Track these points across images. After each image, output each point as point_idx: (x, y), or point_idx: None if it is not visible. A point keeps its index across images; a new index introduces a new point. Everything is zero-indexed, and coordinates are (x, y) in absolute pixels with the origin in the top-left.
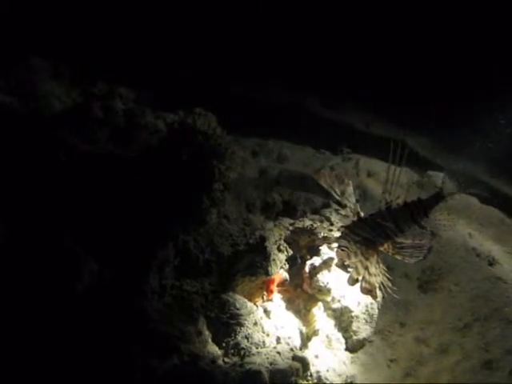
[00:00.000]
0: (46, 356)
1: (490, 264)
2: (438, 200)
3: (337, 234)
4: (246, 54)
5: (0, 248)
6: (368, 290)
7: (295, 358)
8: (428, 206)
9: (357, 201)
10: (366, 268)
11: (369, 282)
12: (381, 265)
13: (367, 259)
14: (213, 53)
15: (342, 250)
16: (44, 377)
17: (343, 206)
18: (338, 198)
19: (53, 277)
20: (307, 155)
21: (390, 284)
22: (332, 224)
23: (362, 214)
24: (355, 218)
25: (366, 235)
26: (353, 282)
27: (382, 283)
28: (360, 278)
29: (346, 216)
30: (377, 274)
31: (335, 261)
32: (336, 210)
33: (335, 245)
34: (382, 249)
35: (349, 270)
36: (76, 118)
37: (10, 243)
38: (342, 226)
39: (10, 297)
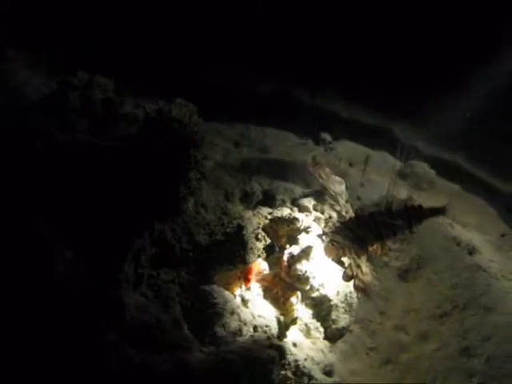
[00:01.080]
0: (18, 345)
1: (470, 253)
2: (437, 213)
3: (321, 227)
4: (231, 41)
5: None
6: (361, 288)
7: (272, 346)
8: (426, 215)
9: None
10: (359, 266)
11: (362, 281)
12: (369, 264)
13: (359, 257)
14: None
15: (333, 245)
16: (17, 364)
17: (335, 202)
18: (332, 193)
19: (25, 265)
20: (290, 145)
21: (377, 285)
22: (310, 213)
23: (359, 212)
24: (351, 215)
25: (360, 234)
26: (348, 278)
27: (371, 283)
28: (354, 274)
29: (338, 212)
30: (367, 273)
31: (315, 250)
32: (331, 205)
33: (326, 238)
34: (370, 249)
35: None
36: (53, 107)
37: None
38: (338, 221)
39: None
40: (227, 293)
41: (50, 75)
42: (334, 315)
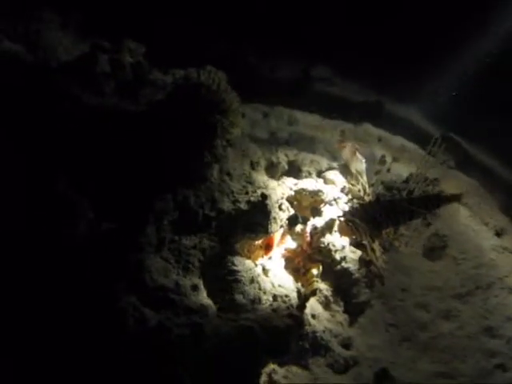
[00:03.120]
0: (39, 302)
1: (498, 234)
2: (453, 200)
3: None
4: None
5: None
6: (375, 274)
7: (291, 316)
8: (443, 201)
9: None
10: (373, 250)
11: (376, 266)
12: (381, 248)
13: (373, 241)
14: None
15: (347, 225)
16: (37, 322)
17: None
18: (353, 171)
19: (48, 223)
20: (317, 119)
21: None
22: (335, 186)
23: (380, 197)
24: (372, 198)
25: (378, 218)
26: (364, 263)
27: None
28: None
29: (358, 192)
30: (379, 259)
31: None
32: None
33: (341, 217)
34: (383, 232)
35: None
36: (82, 69)
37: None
38: (357, 202)
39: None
40: (248, 261)
41: (81, 37)
42: (354, 289)
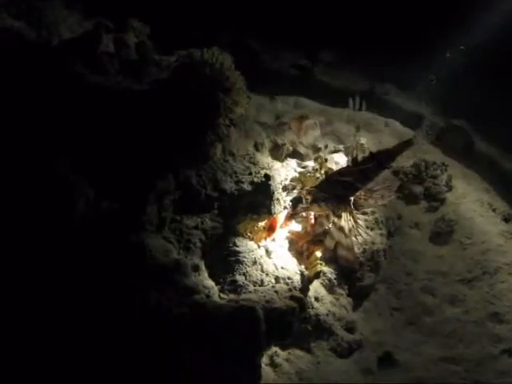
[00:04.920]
0: (40, 286)
1: (506, 220)
2: (407, 147)
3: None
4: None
5: None
6: (346, 260)
7: (293, 298)
8: (395, 152)
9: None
10: (341, 229)
11: (346, 247)
12: (353, 213)
13: (340, 217)
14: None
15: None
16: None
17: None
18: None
19: (46, 202)
20: (323, 104)
21: (363, 228)
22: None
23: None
24: (322, 177)
25: (337, 192)
26: (328, 252)
27: (358, 230)
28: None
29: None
30: (352, 228)
31: None
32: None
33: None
34: (353, 197)
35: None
36: (86, 47)
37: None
38: (311, 187)
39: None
40: (250, 242)
41: (86, 16)
42: (359, 273)
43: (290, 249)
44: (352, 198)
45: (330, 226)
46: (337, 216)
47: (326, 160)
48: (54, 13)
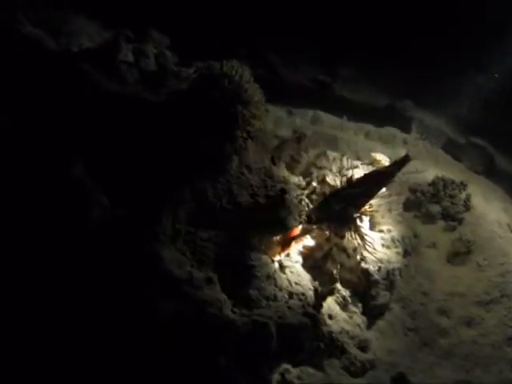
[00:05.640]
0: (52, 288)
1: None
2: (404, 163)
3: None
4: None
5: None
6: (349, 282)
7: (306, 314)
8: (394, 170)
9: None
10: (343, 249)
11: (349, 269)
12: (359, 231)
13: (343, 237)
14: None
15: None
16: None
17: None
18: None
19: (62, 208)
20: (340, 120)
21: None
22: None
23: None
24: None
25: (336, 212)
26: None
27: (365, 245)
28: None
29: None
30: (358, 246)
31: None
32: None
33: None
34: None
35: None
36: (105, 56)
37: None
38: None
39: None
40: (265, 257)
41: (106, 26)
42: (373, 291)
43: (304, 264)
44: (357, 215)
45: (333, 248)
46: (340, 236)
47: (323, 179)
48: (74, 22)
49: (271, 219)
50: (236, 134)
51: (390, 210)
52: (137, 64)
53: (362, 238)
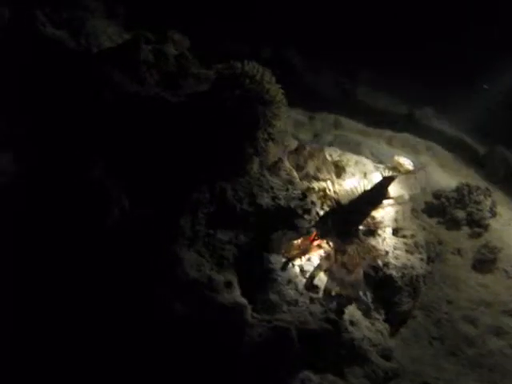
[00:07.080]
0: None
1: None
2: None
3: None
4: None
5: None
6: (349, 298)
7: (328, 320)
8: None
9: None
10: (343, 265)
11: (349, 285)
12: (363, 243)
13: (344, 252)
14: None
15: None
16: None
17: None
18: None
19: (82, 208)
20: (362, 125)
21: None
22: None
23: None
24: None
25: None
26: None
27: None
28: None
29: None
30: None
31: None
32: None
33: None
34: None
35: None
36: (125, 57)
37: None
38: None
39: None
40: (286, 260)
41: (126, 27)
42: (397, 298)
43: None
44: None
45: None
46: (341, 251)
47: (324, 194)
48: (95, 23)
49: (292, 222)
50: (257, 135)
51: (396, 221)
52: (157, 65)
53: (370, 250)
